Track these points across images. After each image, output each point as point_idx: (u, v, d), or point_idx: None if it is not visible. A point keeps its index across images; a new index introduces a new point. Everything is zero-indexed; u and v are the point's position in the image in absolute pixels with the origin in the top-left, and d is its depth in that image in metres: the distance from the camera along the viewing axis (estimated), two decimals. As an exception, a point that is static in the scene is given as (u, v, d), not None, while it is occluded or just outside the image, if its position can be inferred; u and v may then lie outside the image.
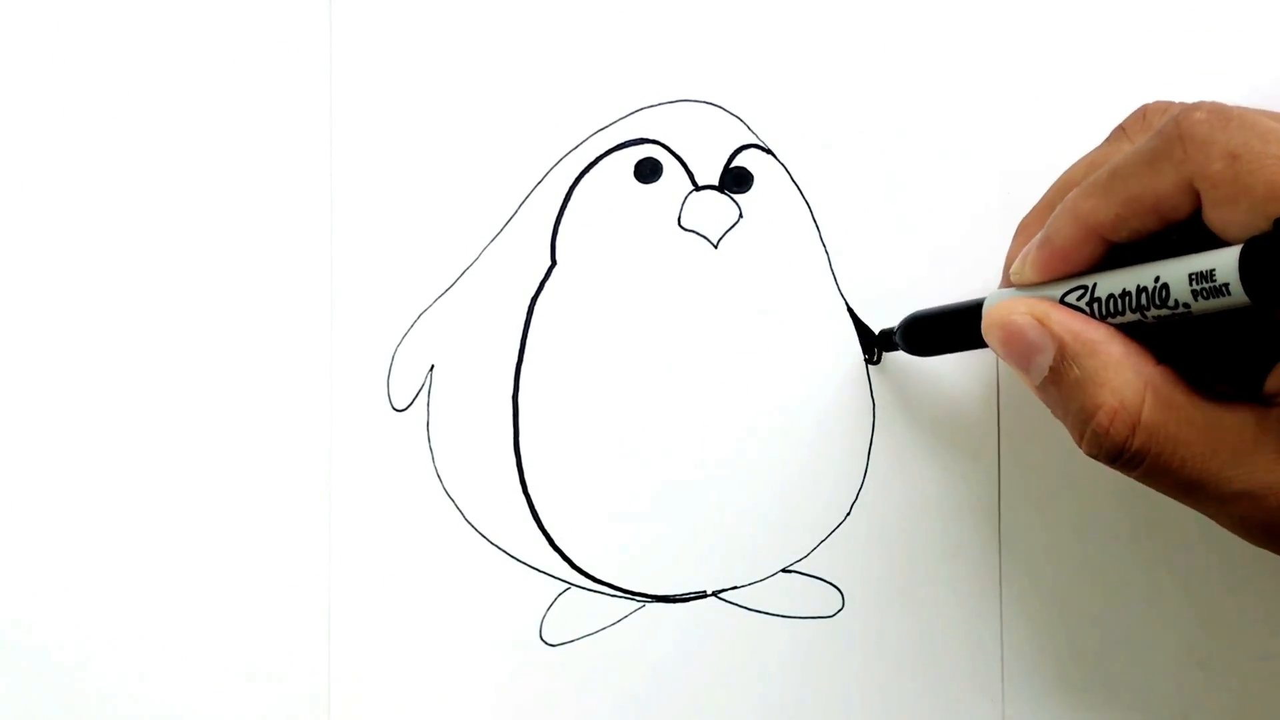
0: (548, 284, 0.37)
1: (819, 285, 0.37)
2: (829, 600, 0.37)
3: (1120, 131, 0.32)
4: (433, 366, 0.36)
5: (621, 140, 0.37)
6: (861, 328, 0.37)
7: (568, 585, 0.37)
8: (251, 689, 0.36)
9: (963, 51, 0.38)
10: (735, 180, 0.37)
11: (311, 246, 0.36)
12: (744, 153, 0.37)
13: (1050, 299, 0.30)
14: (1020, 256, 0.31)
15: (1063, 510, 0.37)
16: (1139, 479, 0.29)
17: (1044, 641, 0.37)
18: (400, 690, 0.36)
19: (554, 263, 0.37)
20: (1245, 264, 0.26)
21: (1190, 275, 0.27)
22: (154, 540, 0.35)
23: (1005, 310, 0.30)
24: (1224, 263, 0.26)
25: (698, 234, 0.37)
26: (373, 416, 0.36)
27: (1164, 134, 0.27)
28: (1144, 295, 0.28)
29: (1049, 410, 0.30)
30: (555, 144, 0.37)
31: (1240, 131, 0.26)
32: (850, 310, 0.37)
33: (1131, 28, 0.38)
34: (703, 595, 0.37)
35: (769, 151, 0.37)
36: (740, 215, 0.37)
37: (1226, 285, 0.26)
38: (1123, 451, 0.28)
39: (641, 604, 0.37)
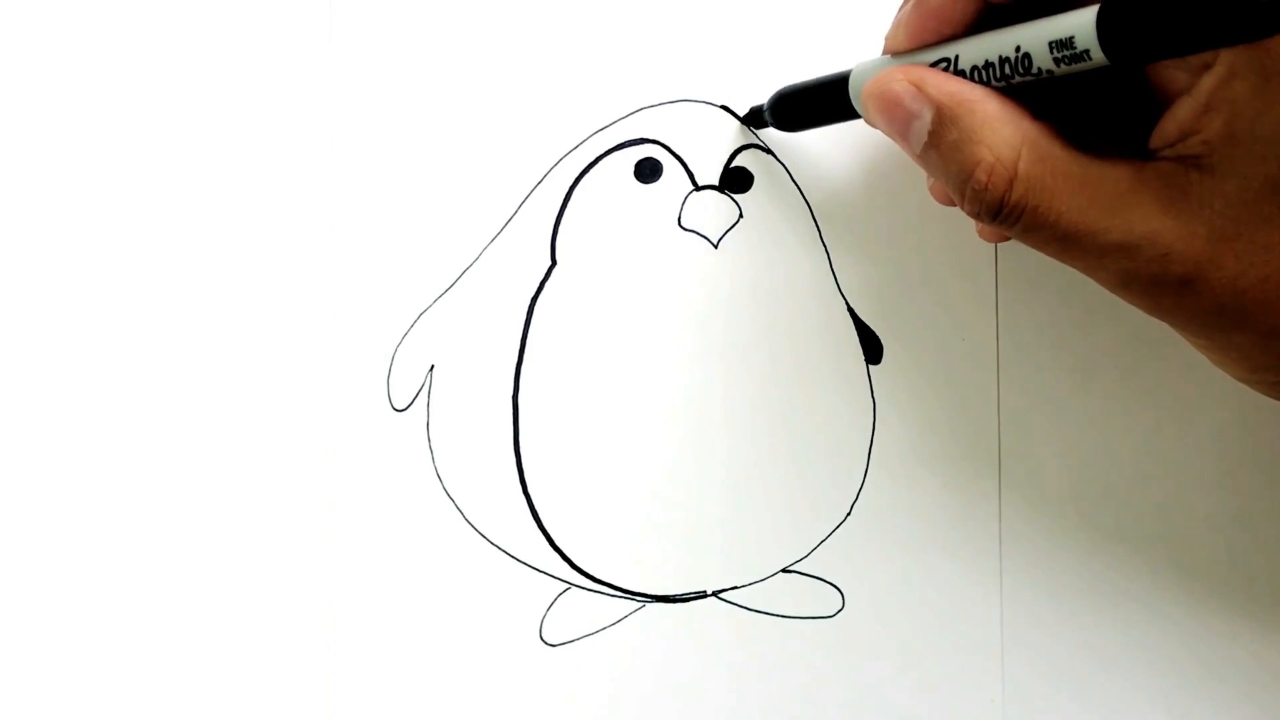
0: (548, 284, 0.37)
1: (819, 285, 0.37)
2: (829, 600, 0.37)
3: None
4: (433, 366, 0.36)
5: (621, 140, 0.37)
6: (862, 328, 0.37)
7: (568, 585, 0.37)
8: (251, 689, 0.36)
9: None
10: (735, 180, 0.37)
11: (312, 247, 0.36)
12: (744, 153, 0.37)
13: (921, 65, 0.30)
14: (894, 22, 0.30)
15: (1063, 510, 0.37)
16: (1020, 237, 0.28)
17: (1044, 641, 0.37)
18: (400, 690, 0.36)
19: (554, 263, 0.37)
20: (1103, 27, 0.25)
21: (1050, 43, 0.27)
22: (154, 540, 0.35)
23: (882, 79, 0.30)
24: (1082, 27, 0.26)
25: (698, 234, 0.37)
26: (373, 416, 0.36)
27: None
28: (1006, 65, 0.28)
29: (933, 176, 0.30)
30: (555, 144, 0.37)
31: None
32: (850, 310, 0.37)
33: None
34: (703, 595, 0.37)
35: (769, 151, 0.37)
36: (740, 215, 0.37)
37: (1087, 51, 0.26)
38: (1001, 206, 0.28)
39: (641, 604, 0.37)
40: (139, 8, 0.35)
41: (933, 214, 0.37)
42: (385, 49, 0.36)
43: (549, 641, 0.37)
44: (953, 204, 0.32)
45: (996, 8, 0.29)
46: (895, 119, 0.30)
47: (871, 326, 0.37)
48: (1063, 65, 0.27)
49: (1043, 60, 0.27)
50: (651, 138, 0.37)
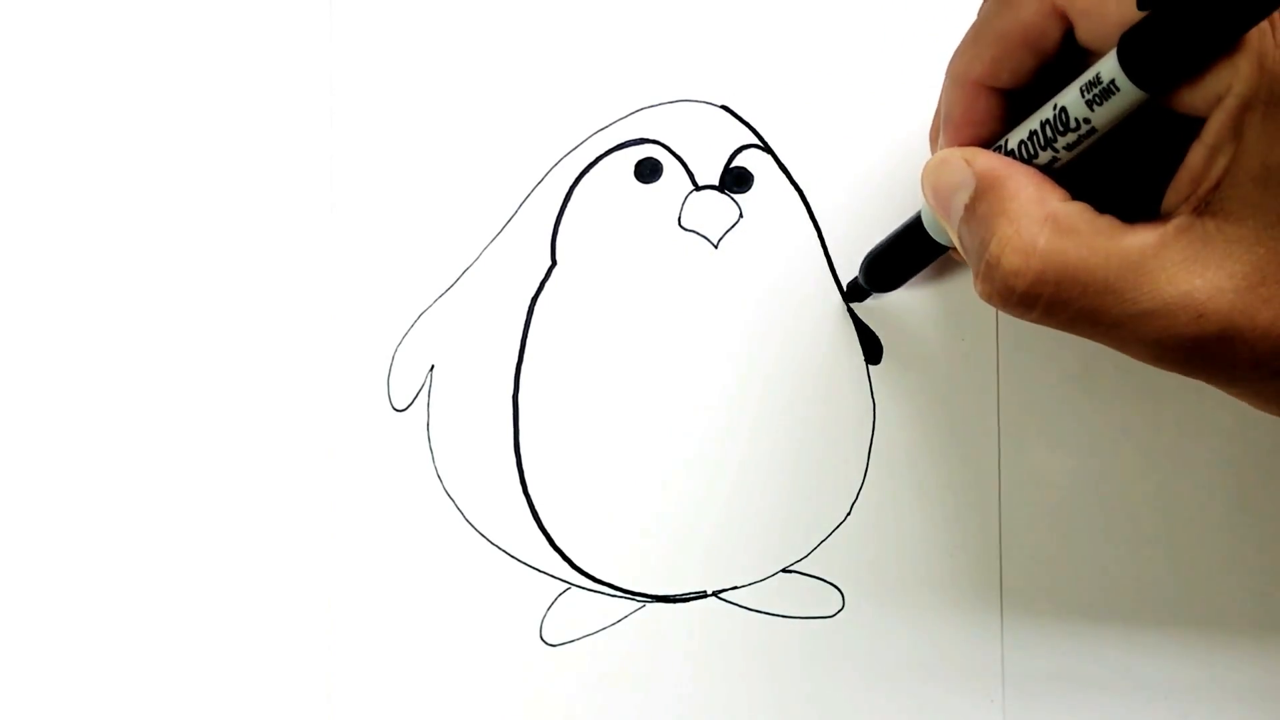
0: (548, 284, 0.37)
1: (819, 285, 0.37)
2: (829, 600, 0.37)
3: None
4: (433, 366, 0.36)
5: (621, 140, 0.37)
6: (861, 328, 0.37)
7: (568, 585, 0.37)
8: (252, 689, 0.36)
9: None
10: (735, 180, 0.37)
11: (312, 247, 0.36)
12: (744, 153, 0.37)
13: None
14: (932, 157, 0.31)
15: (1062, 510, 0.37)
16: (1040, 320, 0.28)
17: (1044, 641, 0.37)
18: (400, 690, 0.36)
19: (554, 263, 0.37)
20: (1124, 56, 0.26)
21: (1080, 88, 0.27)
22: (154, 540, 0.35)
23: (941, 154, 0.30)
24: (1107, 63, 0.26)
25: (698, 234, 0.37)
26: (373, 416, 0.36)
27: None
28: (1048, 128, 0.28)
29: (965, 256, 0.30)
30: (555, 144, 0.37)
31: None
32: (850, 310, 0.37)
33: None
34: (703, 595, 0.37)
35: (769, 151, 0.37)
36: (740, 215, 0.37)
37: (1114, 82, 0.26)
38: (1014, 285, 0.28)
39: (641, 604, 0.37)
40: (139, 8, 0.35)
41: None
42: (385, 49, 0.36)
43: (549, 641, 0.37)
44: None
45: (1021, 100, 0.29)
46: (942, 192, 0.30)
47: (871, 326, 0.37)
48: (1096, 108, 0.27)
49: (1077, 109, 0.27)
50: (651, 138, 0.37)
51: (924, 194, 0.31)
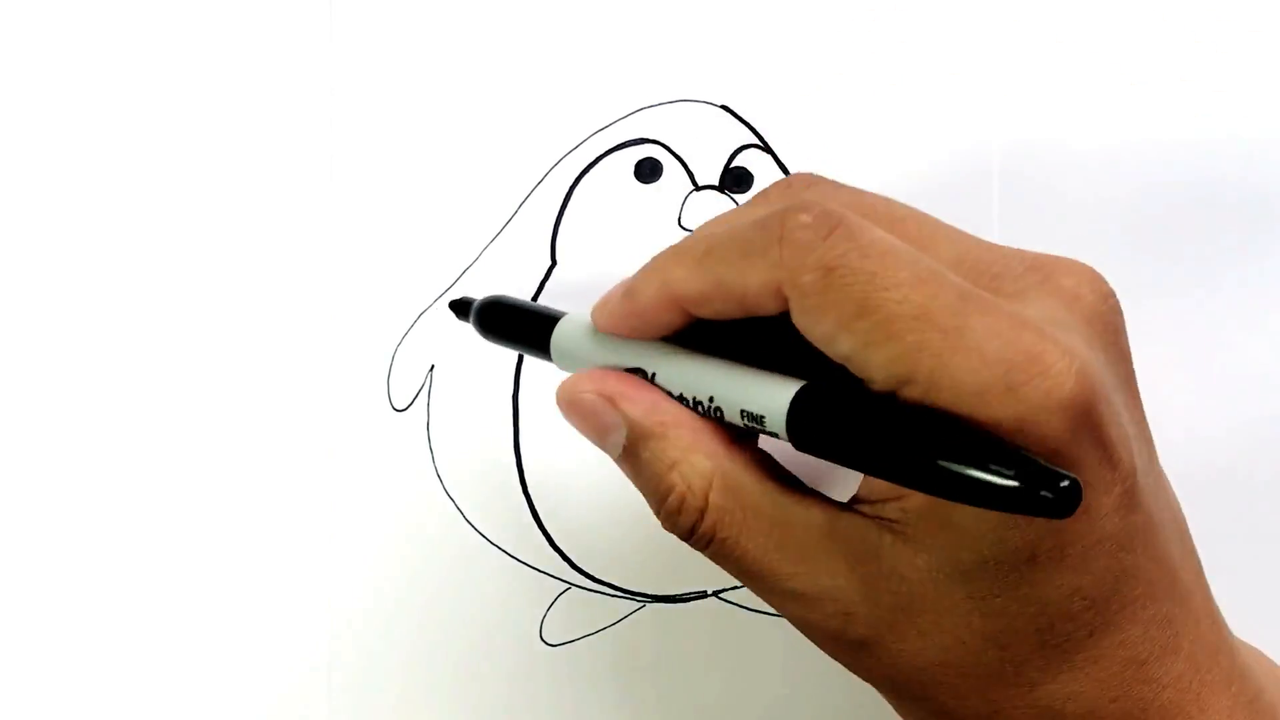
0: (548, 284, 0.37)
1: (819, 285, 0.37)
2: (829, 600, 0.37)
3: (763, 197, 0.29)
4: (433, 366, 0.36)
5: (621, 140, 0.37)
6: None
7: (568, 585, 0.37)
8: (251, 689, 0.36)
9: (962, 52, 0.38)
10: (735, 180, 0.37)
11: (311, 247, 0.36)
12: (744, 153, 0.37)
13: (617, 369, 0.28)
14: (604, 298, 0.29)
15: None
16: (711, 559, 0.27)
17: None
18: (400, 690, 0.36)
19: (554, 263, 0.37)
20: (793, 422, 0.25)
21: (743, 412, 0.26)
22: (154, 540, 0.35)
23: (575, 387, 0.28)
24: (773, 413, 0.25)
25: (698, 234, 0.37)
26: (373, 416, 0.36)
27: (766, 227, 0.25)
28: (699, 407, 0.27)
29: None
30: (555, 144, 0.37)
31: (841, 242, 0.24)
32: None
33: (1130, 28, 0.38)
34: (703, 595, 0.37)
35: (769, 151, 0.37)
36: (740, 215, 0.37)
37: (776, 434, 0.25)
38: (692, 534, 0.27)
39: (641, 604, 0.37)
40: (139, 7, 0.35)
41: (931, 214, 0.37)
42: (385, 49, 0.36)
43: (549, 641, 0.37)
44: None
45: (705, 322, 0.27)
46: (589, 426, 0.28)
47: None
48: (755, 430, 0.26)
49: (734, 419, 0.26)
50: (651, 138, 0.37)
51: (560, 409, 0.29)
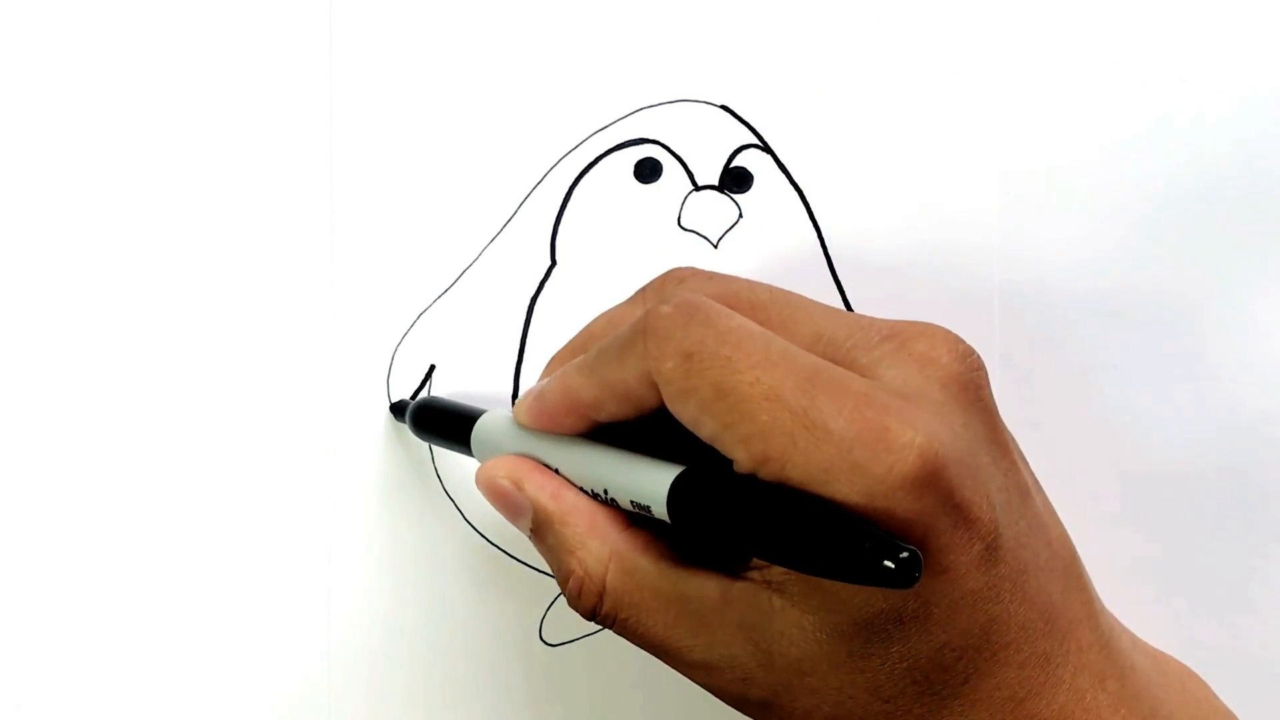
0: (548, 284, 0.37)
1: (818, 285, 0.37)
2: (829, 600, 0.37)
3: (641, 295, 0.32)
4: (433, 366, 0.36)
5: (621, 140, 0.37)
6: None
7: (568, 585, 0.37)
8: (251, 689, 0.36)
9: (961, 52, 0.38)
10: (735, 180, 0.37)
11: (311, 246, 0.36)
12: (744, 153, 0.37)
13: (533, 458, 0.30)
14: (523, 396, 0.31)
15: (1059, 509, 0.37)
16: (619, 635, 0.29)
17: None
18: (400, 690, 0.36)
19: (554, 263, 0.37)
20: (673, 508, 0.26)
21: (632, 501, 0.27)
22: (153, 540, 0.35)
23: (490, 471, 0.31)
24: (656, 500, 0.27)
25: (698, 234, 0.37)
26: (373, 416, 0.36)
27: (635, 325, 0.27)
28: (598, 496, 0.29)
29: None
30: (555, 144, 0.37)
31: (699, 329, 0.26)
32: (850, 310, 0.37)
33: (1129, 27, 0.38)
34: (703, 595, 0.37)
35: (769, 151, 0.37)
36: (740, 215, 0.37)
37: (663, 519, 0.27)
38: (594, 615, 0.29)
39: (641, 604, 0.37)
40: (138, 7, 0.35)
41: (932, 214, 0.37)
42: (385, 49, 0.36)
43: (549, 641, 0.37)
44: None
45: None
46: (502, 507, 0.30)
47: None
48: (647, 515, 0.27)
49: (627, 506, 0.28)
50: (651, 138, 0.37)
51: (479, 487, 0.31)
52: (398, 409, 0.36)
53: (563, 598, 0.37)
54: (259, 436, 0.36)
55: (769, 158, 0.37)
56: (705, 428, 0.26)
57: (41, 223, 0.35)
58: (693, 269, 0.31)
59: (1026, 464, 0.29)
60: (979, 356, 0.28)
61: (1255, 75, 0.39)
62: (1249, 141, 0.39)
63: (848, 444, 0.24)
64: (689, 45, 0.37)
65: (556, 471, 0.30)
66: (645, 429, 0.28)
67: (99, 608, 0.35)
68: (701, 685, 0.29)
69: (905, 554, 0.23)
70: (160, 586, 0.35)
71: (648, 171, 0.37)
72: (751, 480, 0.25)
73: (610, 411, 0.28)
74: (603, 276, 0.37)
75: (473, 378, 0.36)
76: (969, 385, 0.27)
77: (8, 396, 0.35)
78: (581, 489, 0.29)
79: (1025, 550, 0.27)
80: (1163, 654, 0.32)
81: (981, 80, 0.38)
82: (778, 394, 0.25)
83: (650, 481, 0.27)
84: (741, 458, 0.25)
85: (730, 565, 0.28)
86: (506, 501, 0.30)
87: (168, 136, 0.35)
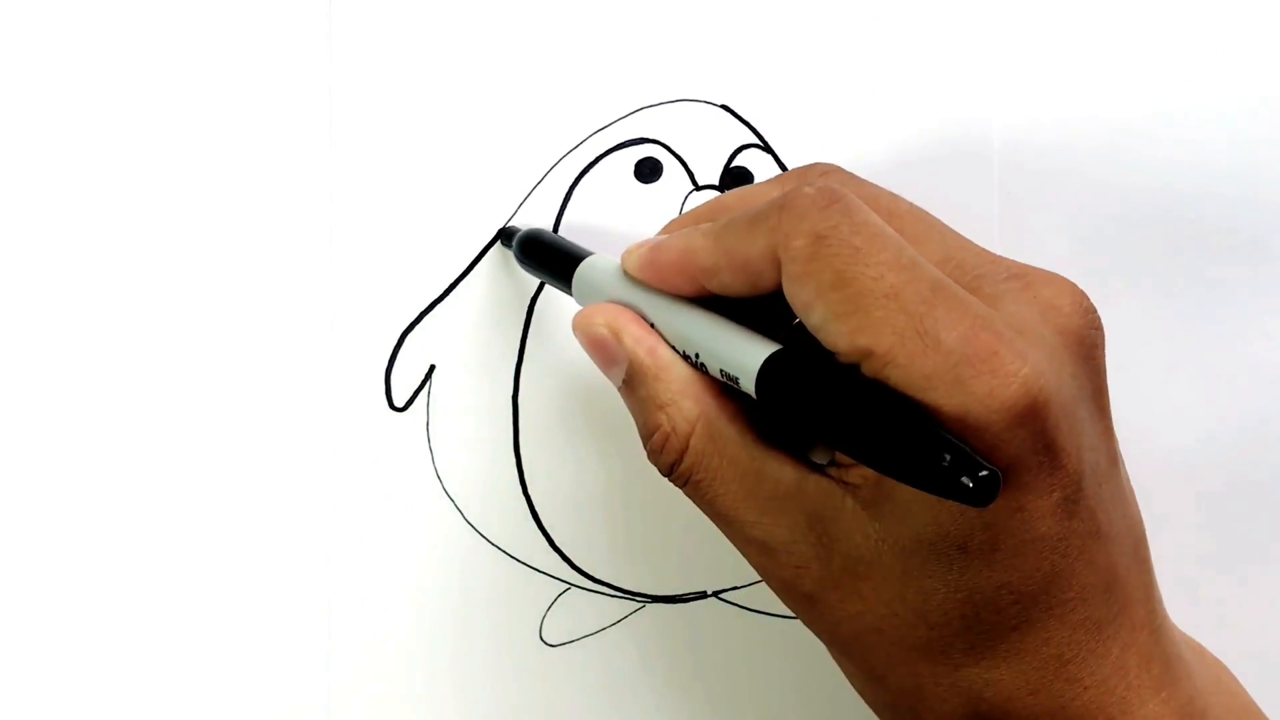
0: (548, 284, 0.37)
1: (819, 285, 0.37)
2: (829, 600, 0.37)
3: (781, 179, 0.32)
4: (433, 366, 0.36)
5: (621, 140, 0.37)
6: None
7: (568, 585, 0.37)
8: (251, 689, 0.36)
9: (961, 52, 0.38)
10: (735, 180, 0.37)
11: (311, 246, 0.36)
12: (744, 153, 0.37)
13: (633, 308, 0.30)
14: (635, 245, 0.31)
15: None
16: (688, 497, 0.29)
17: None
18: (400, 690, 0.36)
19: (554, 263, 0.37)
20: (762, 383, 0.26)
21: (721, 370, 0.28)
22: (152, 540, 0.35)
23: (589, 318, 0.31)
24: (746, 373, 0.27)
25: (698, 234, 0.37)
26: (373, 416, 0.36)
27: (774, 201, 0.27)
28: (689, 358, 0.29)
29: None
30: (555, 144, 0.37)
31: (836, 216, 0.26)
32: (850, 310, 0.37)
33: (1129, 26, 0.38)
34: (703, 595, 0.37)
35: (769, 151, 0.37)
36: (740, 215, 0.37)
37: (749, 393, 0.27)
38: (671, 471, 0.29)
39: (641, 604, 0.37)
40: (138, 8, 0.35)
41: (931, 213, 0.37)
42: (385, 49, 0.36)
43: (549, 641, 0.37)
44: None
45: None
46: (597, 356, 0.31)
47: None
48: (735, 386, 0.27)
49: (716, 374, 0.28)
50: (651, 137, 0.37)
51: (575, 334, 0.31)
52: (506, 235, 0.36)
53: (563, 598, 0.37)
54: (259, 437, 0.36)
55: (769, 157, 0.37)
56: (815, 313, 0.26)
57: (40, 223, 0.35)
58: (836, 165, 0.31)
59: (1116, 438, 0.29)
60: (1099, 316, 0.28)
61: (1255, 75, 0.39)
62: (1249, 141, 0.39)
63: (955, 358, 0.24)
64: (689, 45, 0.37)
65: (652, 326, 0.30)
66: (746, 313, 0.28)
67: (98, 608, 0.35)
68: (753, 564, 0.29)
69: (985, 473, 0.23)
70: (160, 587, 0.35)
71: (648, 171, 0.37)
72: (848, 371, 0.25)
73: (723, 282, 0.28)
74: (603, 276, 0.37)
75: (473, 378, 0.36)
76: (1084, 340, 0.27)
77: (7, 397, 0.35)
78: (673, 349, 0.29)
79: (1102, 514, 0.27)
80: (1200, 645, 0.32)
81: (981, 80, 0.38)
82: (898, 294, 0.25)
83: (745, 353, 0.27)
84: (845, 348, 0.25)
85: (806, 457, 0.28)
86: (603, 351, 0.30)
87: (167, 137, 0.35)
